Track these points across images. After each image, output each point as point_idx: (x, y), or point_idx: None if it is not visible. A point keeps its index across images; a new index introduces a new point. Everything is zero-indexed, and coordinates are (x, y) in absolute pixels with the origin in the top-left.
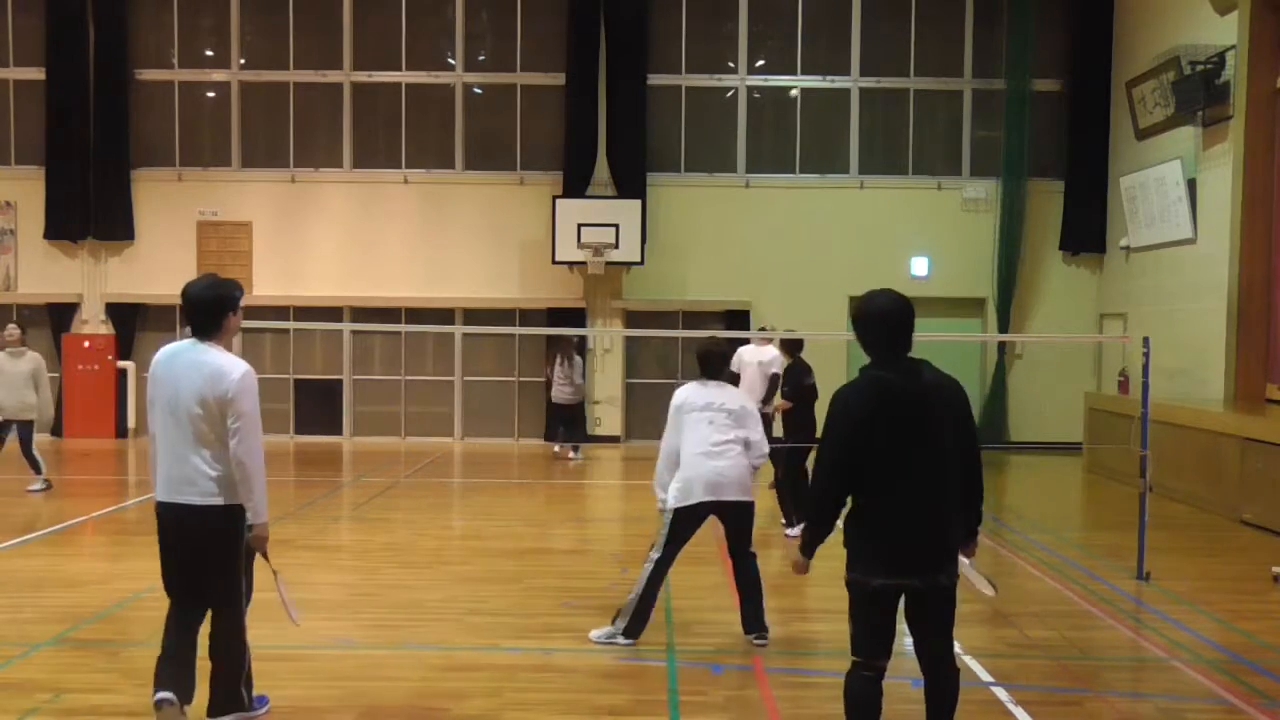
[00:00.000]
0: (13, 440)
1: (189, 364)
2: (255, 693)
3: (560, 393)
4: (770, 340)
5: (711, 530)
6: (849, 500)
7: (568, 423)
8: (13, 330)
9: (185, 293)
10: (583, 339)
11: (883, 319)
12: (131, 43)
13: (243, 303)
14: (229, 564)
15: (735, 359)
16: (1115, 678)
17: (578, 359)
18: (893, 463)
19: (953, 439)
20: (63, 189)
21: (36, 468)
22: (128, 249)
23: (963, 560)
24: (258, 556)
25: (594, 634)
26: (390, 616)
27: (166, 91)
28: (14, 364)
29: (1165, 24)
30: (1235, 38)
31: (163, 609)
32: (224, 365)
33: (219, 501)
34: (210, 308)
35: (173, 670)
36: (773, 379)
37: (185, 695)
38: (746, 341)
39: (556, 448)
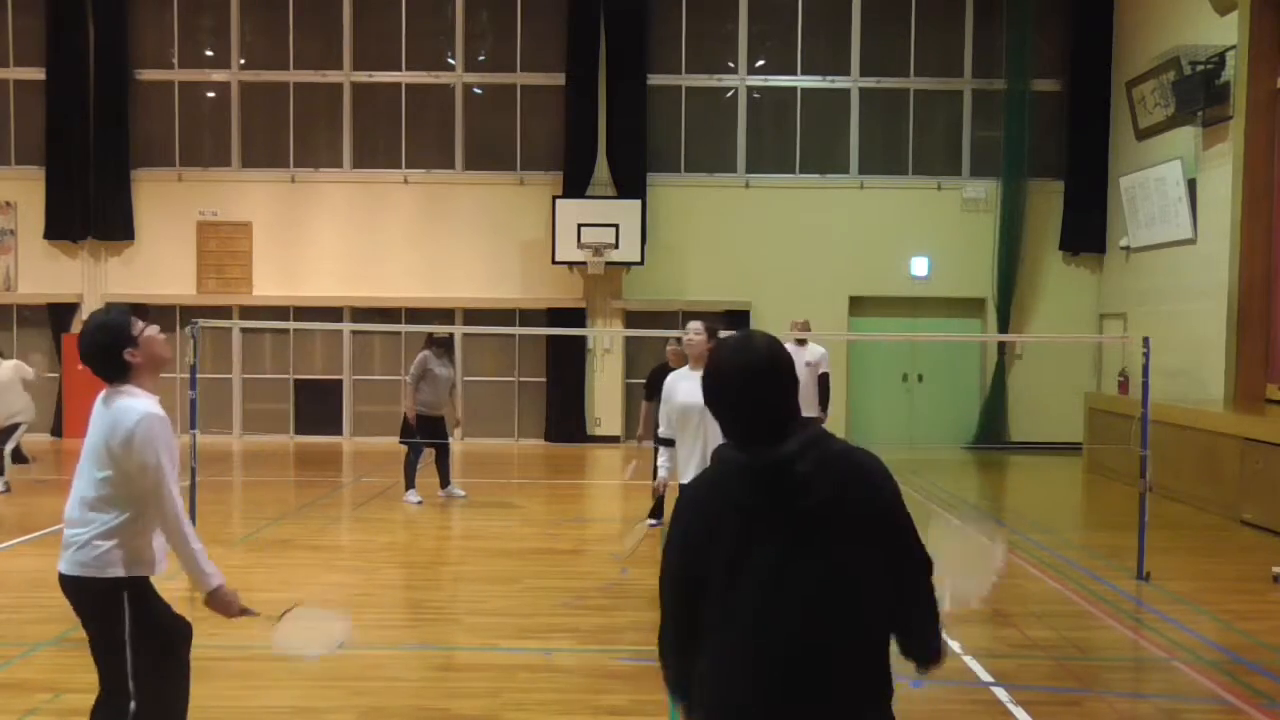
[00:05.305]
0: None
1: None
2: None
3: (431, 397)
4: (808, 337)
5: None
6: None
7: (441, 447)
8: None
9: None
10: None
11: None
12: (131, 43)
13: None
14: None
15: None
16: (1115, 678)
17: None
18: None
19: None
20: (63, 189)
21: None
22: (128, 249)
23: None
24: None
25: None
26: (390, 616)
27: (166, 91)
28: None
29: (1165, 24)
30: (1235, 38)
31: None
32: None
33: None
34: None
35: None
36: (823, 379)
37: None
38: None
39: (414, 497)
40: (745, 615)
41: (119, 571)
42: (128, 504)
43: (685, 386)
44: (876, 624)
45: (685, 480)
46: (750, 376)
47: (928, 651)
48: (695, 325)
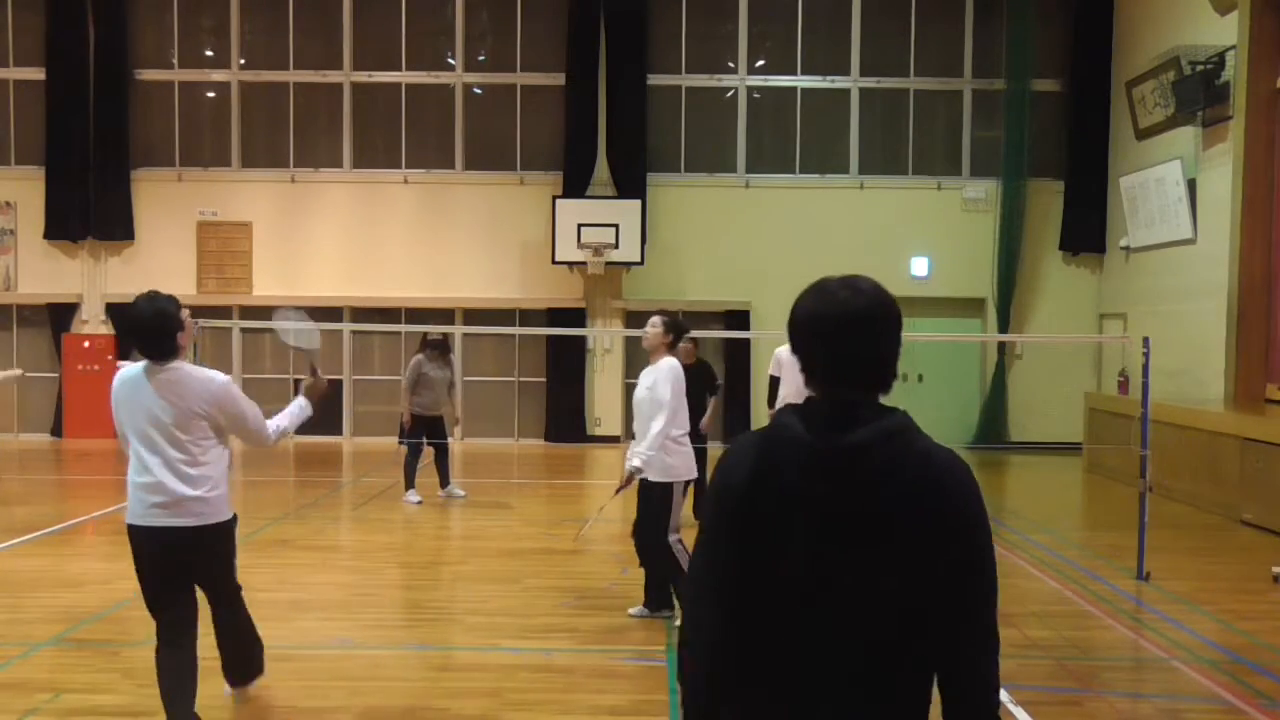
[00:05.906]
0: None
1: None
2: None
3: (428, 399)
4: None
5: None
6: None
7: (440, 446)
8: None
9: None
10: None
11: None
12: (131, 43)
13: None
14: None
15: (774, 362)
16: (1115, 678)
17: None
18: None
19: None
20: (63, 189)
21: None
22: (128, 249)
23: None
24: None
25: None
26: (390, 616)
27: (166, 91)
28: None
29: (1165, 24)
30: (1235, 38)
31: None
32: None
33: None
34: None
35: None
36: None
37: None
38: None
39: (414, 497)
40: (772, 617)
41: (231, 511)
42: (221, 454)
43: (644, 380)
44: (920, 652)
45: (646, 475)
46: (846, 323)
47: (985, 698)
48: (654, 319)
